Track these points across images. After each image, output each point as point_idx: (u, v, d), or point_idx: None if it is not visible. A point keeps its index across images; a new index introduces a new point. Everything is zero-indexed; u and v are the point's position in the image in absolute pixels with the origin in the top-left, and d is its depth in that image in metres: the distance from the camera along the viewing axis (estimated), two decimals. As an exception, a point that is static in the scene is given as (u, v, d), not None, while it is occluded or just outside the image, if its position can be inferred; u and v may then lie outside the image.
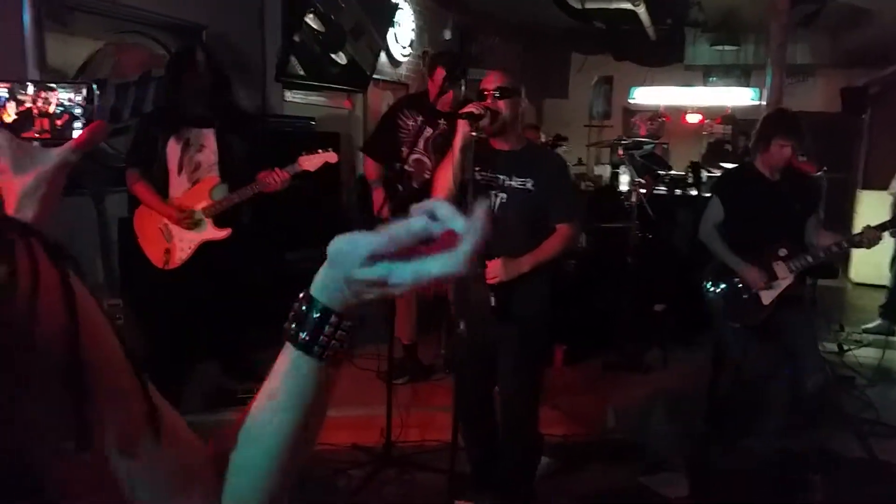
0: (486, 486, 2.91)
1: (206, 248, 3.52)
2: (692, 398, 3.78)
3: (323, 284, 0.67)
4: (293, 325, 0.67)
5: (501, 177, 2.65)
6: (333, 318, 0.66)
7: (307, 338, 0.67)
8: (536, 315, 2.70)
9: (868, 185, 8.87)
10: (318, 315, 0.66)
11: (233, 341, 4.01)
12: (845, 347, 5.25)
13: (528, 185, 2.62)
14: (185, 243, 3.49)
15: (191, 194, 3.52)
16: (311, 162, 3.49)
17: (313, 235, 4.82)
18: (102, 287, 3.59)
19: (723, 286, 3.41)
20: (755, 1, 6.34)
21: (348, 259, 0.63)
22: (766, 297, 3.32)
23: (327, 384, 0.70)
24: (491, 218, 0.62)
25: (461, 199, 2.62)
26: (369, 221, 3.98)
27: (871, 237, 3.19)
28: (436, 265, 0.62)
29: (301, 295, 0.68)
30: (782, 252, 3.32)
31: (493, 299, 2.60)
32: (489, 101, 2.61)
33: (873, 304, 6.31)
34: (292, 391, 0.69)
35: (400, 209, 3.66)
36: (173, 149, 3.50)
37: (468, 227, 0.62)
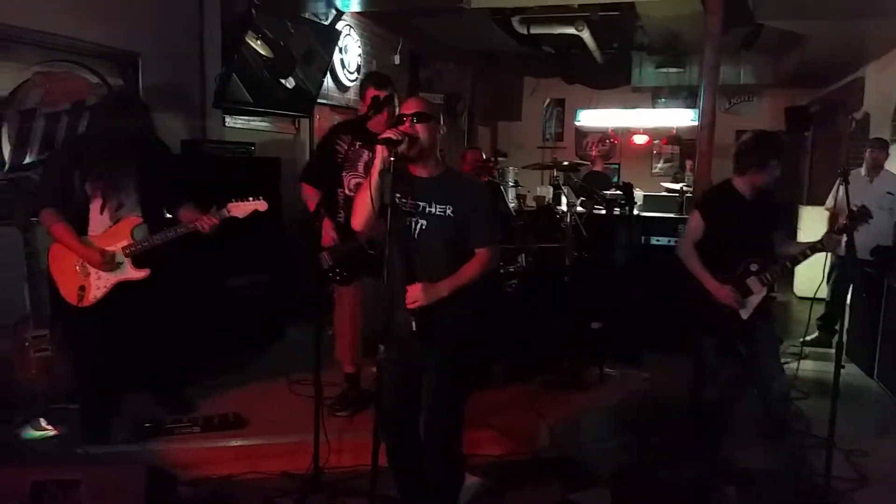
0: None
1: (123, 285, 3.45)
2: (627, 413, 3.83)
3: None
4: None
5: (422, 203, 2.68)
6: None
7: None
8: (458, 338, 2.73)
9: (812, 201, 9.10)
10: None
11: (164, 372, 3.95)
12: (783, 360, 5.36)
13: (448, 212, 2.67)
14: (101, 281, 3.43)
15: (112, 233, 3.46)
16: (240, 209, 3.48)
17: (255, 261, 4.88)
18: (29, 318, 3.52)
19: (702, 304, 3.44)
20: (694, 25, 6.50)
21: None
22: (745, 312, 3.41)
23: None
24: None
25: (381, 224, 2.66)
26: (311, 249, 3.92)
27: (831, 242, 3.32)
28: None
29: None
30: (753, 267, 3.41)
31: (413, 324, 2.63)
32: (407, 126, 2.66)
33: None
34: None
35: (346, 237, 3.65)
36: (95, 187, 3.42)
37: None
